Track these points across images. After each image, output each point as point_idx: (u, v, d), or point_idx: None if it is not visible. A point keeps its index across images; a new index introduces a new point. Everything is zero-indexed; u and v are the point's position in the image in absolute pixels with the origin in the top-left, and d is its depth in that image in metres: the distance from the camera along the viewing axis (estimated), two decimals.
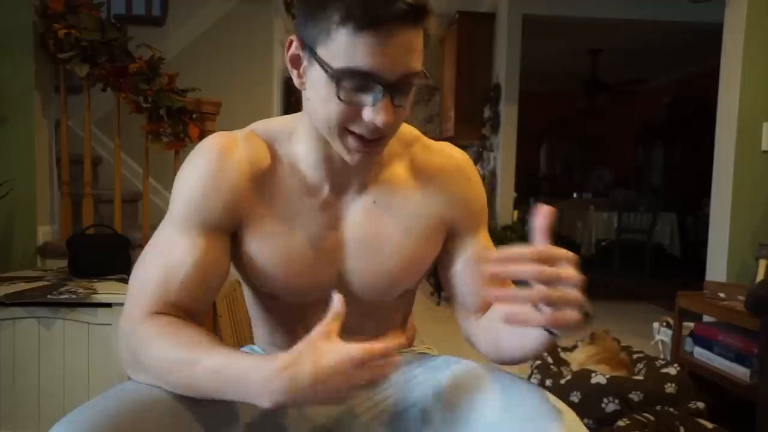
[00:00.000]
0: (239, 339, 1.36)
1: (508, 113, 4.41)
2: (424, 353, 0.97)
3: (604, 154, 8.33)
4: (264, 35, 3.71)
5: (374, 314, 0.88)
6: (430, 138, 0.90)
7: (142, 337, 0.71)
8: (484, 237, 0.88)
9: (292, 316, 0.87)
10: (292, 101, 4.21)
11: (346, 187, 0.82)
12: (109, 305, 1.67)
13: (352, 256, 0.82)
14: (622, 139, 8.15)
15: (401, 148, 0.85)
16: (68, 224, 2.30)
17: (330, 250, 0.81)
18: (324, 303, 0.84)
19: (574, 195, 6.98)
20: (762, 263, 2.22)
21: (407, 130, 0.87)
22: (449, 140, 3.74)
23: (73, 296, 1.66)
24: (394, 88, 0.68)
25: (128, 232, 2.26)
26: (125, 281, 1.84)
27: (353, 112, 0.69)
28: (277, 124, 0.84)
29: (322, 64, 0.68)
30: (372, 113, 0.68)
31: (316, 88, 0.71)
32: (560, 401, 0.74)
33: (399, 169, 0.84)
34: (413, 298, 0.97)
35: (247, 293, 0.92)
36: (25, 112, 2.18)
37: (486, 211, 0.90)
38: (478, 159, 5.00)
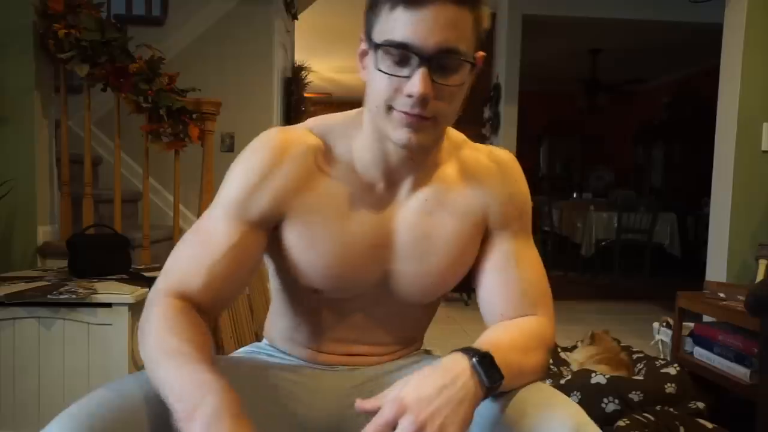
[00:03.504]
0: (239, 339, 1.36)
1: (508, 113, 4.41)
2: (428, 355, 0.97)
3: (604, 154, 8.33)
4: (264, 35, 3.71)
5: (403, 316, 0.89)
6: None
7: (150, 317, 0.74)
8: (514, 240, 0.85)
9: (326, 312, 0.87)
10: (292, 102, 4.21)
11: (400, 184, 0.83)
12: (109, 305, 1.67)
13: (401, 257, 0.83)
14: (621, 139, 8.15)
15: (452, 149, 0.86)
16: (68, 224, 2.30)
17: (380, 248, 0.82)
18: (363, 299, 0.86)
19: (574, 195, 6.97)
20: (762, 263, 2.22)
21: (455, 133, 0.88)
22: None
23: (73, 296, 1.66)
24: (432, 62, 0.69)
25: (128, 232, 2.26)
26: (125, 281, 1.84)
27: (396, 87, 0.71)
28: (335, 121, 0.86)
29: (370, 44, 0.74)
30: (410, 85, 0.70)
31: (369, 71, 0.75)
32: (568, 398, 0.75)
33: (450, 170, 0.85)
34: (434, 313, 0.97)
35: (276, 286, 0.91)
36: (25, 112, 2.18)
37: (524, 216, 0.87)
38: None
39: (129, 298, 1.66)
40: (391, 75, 0.71)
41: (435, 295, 0.88)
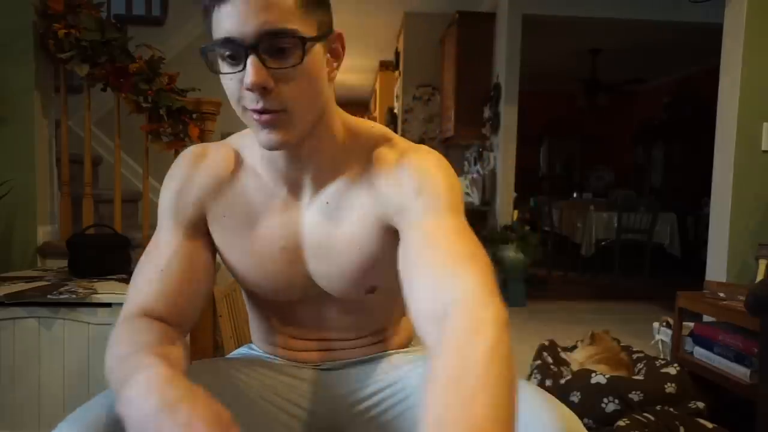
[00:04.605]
0: (239, 339, 1.36)
1: (508, 113, 4.41)
2: (421, 353, 0.96)
3: (604, 154, 8.33)
4: None
5: (352, 310, 0.89)
6: (428, 139, 0.88)
7: (109, 342, 0.71)
8: (420, 221, 0.74)
9: (275, 313, 0.91)
10: None
11: (301, 188, 0.82)
12: (109, 305, 1.67)
13: (312, 258, 0.83)
14: (622, 139, 8.16)
15: (363, 147, 0.82)
16: (68, 224, 2.30)
17: (292, 251, 0.83)
18: (307, 297, 0.86)
19: (574, 195, 6.97)
20: (762, 263, 2.22)
21: (378, 130, 0.85)
22: (449, 140, 3.77)
23: (73, 296, 1.66)
24: (259, 47, 0.67)
25: (128, 232, 2.26)
26: (125, 281, 1.84)
27: (239, 86, 0.69)
28: (249, 131, 0.84)
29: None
30: (245, 77, 0.68)
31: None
32: (558, 401, 0.74)
33: (355, 170, 0.82)
34: (396, 300, 0.91)
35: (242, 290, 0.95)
36: (25, 112, 2.18)
37: (425, 194, 0.76)
38: (478, 159, 5.00)
39: None
40: (228, 74, 0.70)
41: (359, 290, 0.84)
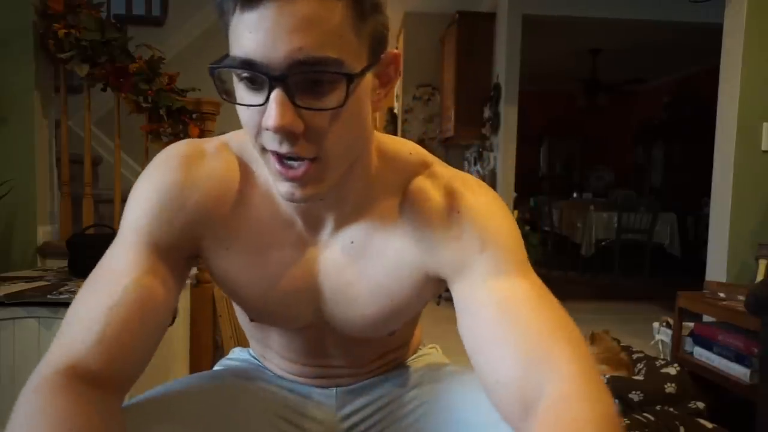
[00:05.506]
0: (239, 339, 1.36)
1: (508, 113, 4.41)
2: (428, 363, 0.91)
3: (604, 154, 8.34)
4: None
5: (362, 346, 0.81)
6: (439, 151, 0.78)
7: (15, 412, 0.53)
8: (490, 281, 0.64)
9: (278, 338, 0.81)
10: None
11: (322, 223, 0.69)
12: None
13: (327, 300, 0.72)
14: (622, 139, 8.16)
15: (399, 178, 0.69)
16: (68, 224, 2.30)
17: (305, 290, 0.71)
18: (309, 329, 0.77)
19: (574, 195, 6.97)
20: (762, 263, 2.22)
21: (416, 157, 0.71)
22: (449, 140, 3.79)
23: (73, 296, 1.66)
24: (290, 81, 0.52)
25: None
26: None
27: (257, 120, 0.55)
28: None
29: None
30: (266, 116, 0.53)
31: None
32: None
33: (388, 205, 0.69)
34: (412, 327, 0.89)
35: (236, 308, 0.86)
36: (25, 112, 2.18)
37: (492, 251, 0.65)
38: (478, 159, 5.00)
39: None
40: (247, 106, 0.55)
41: (376, 335, 0.75)
